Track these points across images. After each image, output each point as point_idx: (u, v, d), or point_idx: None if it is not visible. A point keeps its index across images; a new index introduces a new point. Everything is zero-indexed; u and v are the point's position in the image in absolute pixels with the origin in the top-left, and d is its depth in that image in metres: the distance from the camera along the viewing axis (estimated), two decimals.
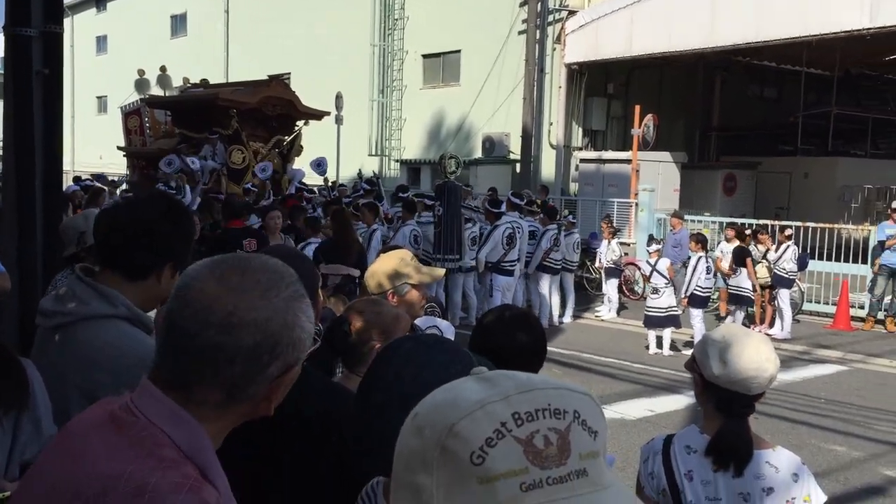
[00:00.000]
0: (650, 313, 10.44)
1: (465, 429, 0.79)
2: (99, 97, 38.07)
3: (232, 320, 1.15)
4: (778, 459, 2.25)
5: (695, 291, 10.68)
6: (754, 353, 2.26)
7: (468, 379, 0.86)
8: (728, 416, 2.31)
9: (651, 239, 11.15)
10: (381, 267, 3.18)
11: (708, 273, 10.69)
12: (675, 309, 10.47)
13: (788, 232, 12.19)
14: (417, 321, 3.23)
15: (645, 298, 11.39)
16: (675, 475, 2.35)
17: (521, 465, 0.77)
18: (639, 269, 14.24)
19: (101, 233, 2.22)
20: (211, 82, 20.65)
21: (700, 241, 10.76)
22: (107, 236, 2.21)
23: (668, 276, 10.39)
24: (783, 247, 11.68)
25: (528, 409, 0.80)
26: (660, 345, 10.48)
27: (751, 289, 11.53)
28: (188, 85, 19.27)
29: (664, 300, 10.35)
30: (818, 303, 13.28)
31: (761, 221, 13.53)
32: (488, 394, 0.81)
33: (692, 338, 10.59)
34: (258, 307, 1.17)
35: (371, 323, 2.50)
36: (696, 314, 10.69)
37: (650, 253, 10.69)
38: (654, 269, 10.50)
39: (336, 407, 1.95)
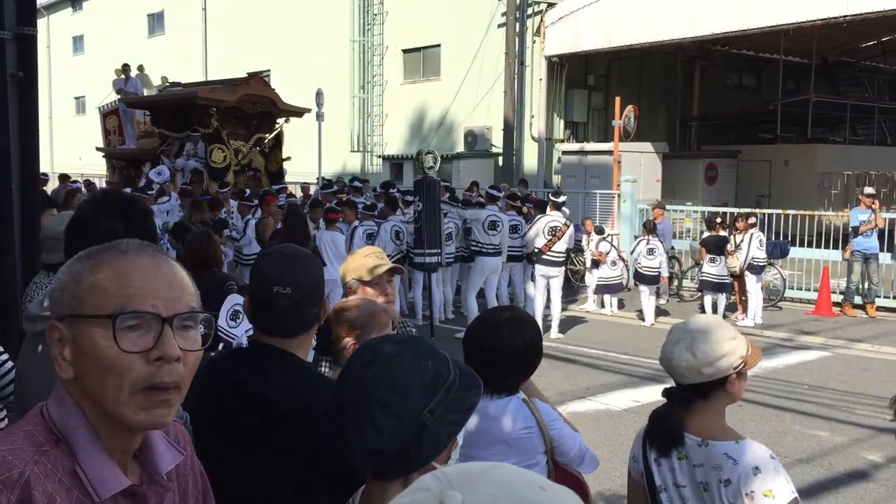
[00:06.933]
0: (604, 282, 12.19)
1: None
2: (77, 98, 37.72)
3: None
4: (738, 451, 2.21)
5: (640, 270, 11.89)
6: (673, 341, 2.31)
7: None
8: (668, 403, 2.37)
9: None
10: (346, 264, 3.35)
11: (650, 254, 11.67)
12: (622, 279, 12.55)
13: (752, 220, 12.20)
14: None
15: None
16: (648, 460, 2.41)
17: None
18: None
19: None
20: (190, 80, 20.49)
21: (645, 226, 12.37)
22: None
23: (618, 252, 12.39)
24: (747, 235, 11.70)
25: None
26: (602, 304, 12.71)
27: (728, 276, 11.64)
28: (167, 84, 19.14)
29: (617, 271, 12.19)
30: (800, 289, 13.38)
31: (742, 210, 13.58)
32: None
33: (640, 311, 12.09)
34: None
35: (345, 322, 2.60)
36: (643, 290, 11.88)
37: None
38: (612, 246, 12.22)
39: (318, 402, 1.96)
